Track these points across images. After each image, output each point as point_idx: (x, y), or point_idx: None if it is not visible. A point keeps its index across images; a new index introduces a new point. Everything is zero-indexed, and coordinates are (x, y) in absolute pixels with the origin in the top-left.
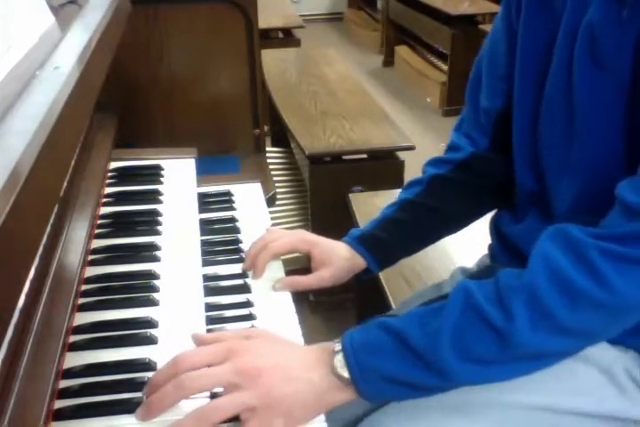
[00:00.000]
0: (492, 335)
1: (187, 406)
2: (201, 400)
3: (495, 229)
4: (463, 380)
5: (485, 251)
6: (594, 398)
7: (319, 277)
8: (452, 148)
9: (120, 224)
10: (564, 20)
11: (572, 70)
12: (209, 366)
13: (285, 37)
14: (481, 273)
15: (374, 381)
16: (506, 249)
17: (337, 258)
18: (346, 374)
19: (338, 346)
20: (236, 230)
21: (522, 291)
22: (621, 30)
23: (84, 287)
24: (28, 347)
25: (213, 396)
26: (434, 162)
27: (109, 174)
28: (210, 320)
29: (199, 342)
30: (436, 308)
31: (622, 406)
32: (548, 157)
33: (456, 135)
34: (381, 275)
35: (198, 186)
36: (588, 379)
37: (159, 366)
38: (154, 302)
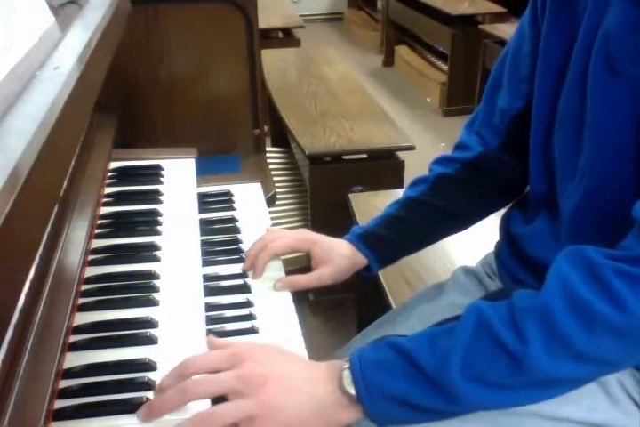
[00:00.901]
0: (504, 359)
1: (190, 407)
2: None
3: (505, 227)
4: (471, 404)
5: (486, 251)
6: (585, 406)
7: (319, 276)
8: (460, 146)
9: (120, 224)
10: (583, 24)
11: (587, 76)
12: (215, 371)
13: (285, 37)
14: (496, 294)
15: (380, 400)
16: (512, 248)
17: (337, 256)
18: (352, 390)
19: (346, 362)
20: (236, 230)
21: (536, 313)
22: (637, 35)
23: (84, 287)
24: (28, 347)
25: (216, 401)
26: (441, 160)
27: (109, 174)
28: (210, 320)
29: (212, 346)
30: (448, 328)
31: (614, 416)
32: (559, 161)
33: (466, 132)
34: (381, 275)
35: (198, 186)
36: (580, 387)
37: (159, 366)
38: (154, 302)
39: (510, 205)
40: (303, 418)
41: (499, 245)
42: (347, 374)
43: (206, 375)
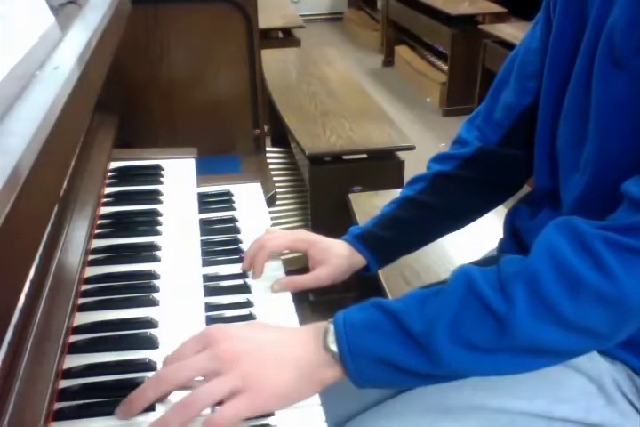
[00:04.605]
0: (491, 322)
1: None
2: None
3: (509, 223)
4: (455, 368)
5: (486, 250)
6: (581, 406)
7: (316, 276)
8: (458, 142)
9: (120, 224)
10: (590, 19)
11: (593, 68)
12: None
13: (285, 37)
14: (484, 262)
15: (362, 359)
16: (516, 244)
17: (334, 256)
18: (335, 348)
19: (331, 323)
20: (236, 230)
21: (523, 277)
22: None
23: (84, 287)
24: (28, 347)
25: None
26: (439, 158)
27: (109, 174)
28: (210, 320)
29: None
30: (436, 291)
31: (610, 416)
32: (563, 154)
33: (467, 128)
34: (381, 275)
35: (198, 186)
36: (576, 387)
37: (159, 366)
38: (154, 302)
39: (517, 200)
40: (288, 383)
41: (502, 242)
42: (330, 333)
43: (179, 362)
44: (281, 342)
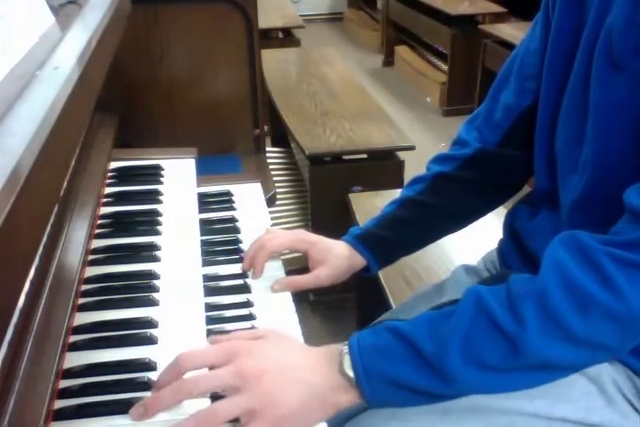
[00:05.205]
0: (502, 342)
1: (188, 405)
2: (202, 400)
3: (509, 223)
4: (467, 387)
5: (485, 250)
6: (581, 406)
7: (316, 277)
8: (458, 143)
9: (120, 224)
10: (589, 20)
11: (591, 69)
12: (211, 367)
13: (285, 37)
14: (491, 279)
15: (378, 383)
16: (515, 245)
17: (334, 257)
18: (351, 373)
19: (345, 347)
20: (236, 230)
21: (533, 296)
22: (638, 31)
23: (84, 287)
24: (28, 347)
25: (214, 397)
26: (439, 159)
27: (109, 174)
28: (210, 320)
29: (212, 343)
30: (447, 312)
31: (609, 417)
32: (561, 155)
33: (466, 128)
34: (381, 275)
35: (198, 186)
36: (576, 387)
37: (159, 366)
38: (154, 302)
39: (517, 200)
40: (303, 406)
41: (502, 242)
42: (346, 358)
43: (202, 373)
44: (301, 363)
